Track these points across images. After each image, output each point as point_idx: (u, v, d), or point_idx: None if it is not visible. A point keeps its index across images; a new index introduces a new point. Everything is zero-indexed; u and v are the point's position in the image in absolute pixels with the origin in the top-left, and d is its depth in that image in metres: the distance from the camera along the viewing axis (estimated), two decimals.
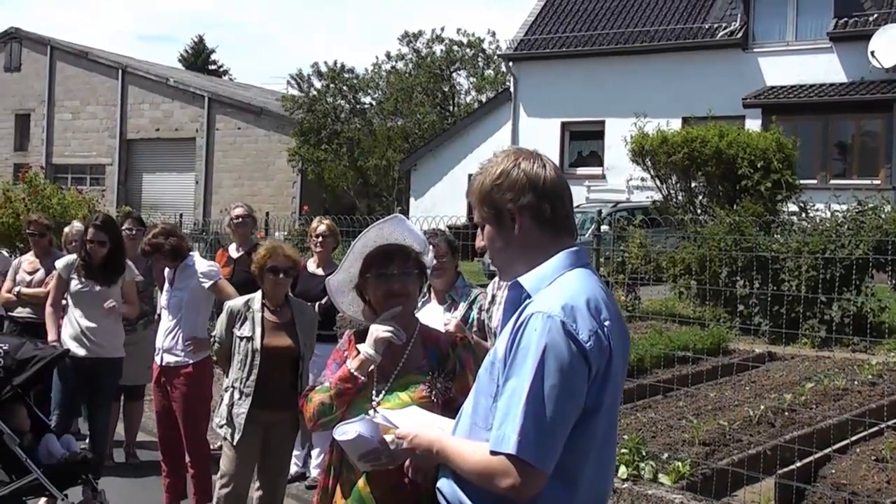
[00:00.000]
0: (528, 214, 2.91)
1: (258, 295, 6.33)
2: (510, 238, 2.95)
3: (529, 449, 2.63)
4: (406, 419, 3.27)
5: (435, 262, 4.94)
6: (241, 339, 6.21)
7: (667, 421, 8.68)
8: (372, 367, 3.75)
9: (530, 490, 2.67)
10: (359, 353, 3.77)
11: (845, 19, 25.41)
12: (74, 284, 7.71)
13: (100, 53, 44.23)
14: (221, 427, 6.24)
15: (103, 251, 7.62)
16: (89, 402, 7.93)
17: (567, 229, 2.97)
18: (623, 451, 7.32)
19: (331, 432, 3.60)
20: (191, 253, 7.49)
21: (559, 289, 2.81)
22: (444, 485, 2.94)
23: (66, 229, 9.61)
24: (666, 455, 7.45)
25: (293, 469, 7.73)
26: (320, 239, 8.20)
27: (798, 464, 7.15)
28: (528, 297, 2.84)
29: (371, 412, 3.51)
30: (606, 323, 2.77)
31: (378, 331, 3.75)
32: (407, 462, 3.22)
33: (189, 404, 7.14)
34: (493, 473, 2.69)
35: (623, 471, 7.10)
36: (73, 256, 7.91)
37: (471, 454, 2.80)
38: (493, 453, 2.69)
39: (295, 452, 7.64)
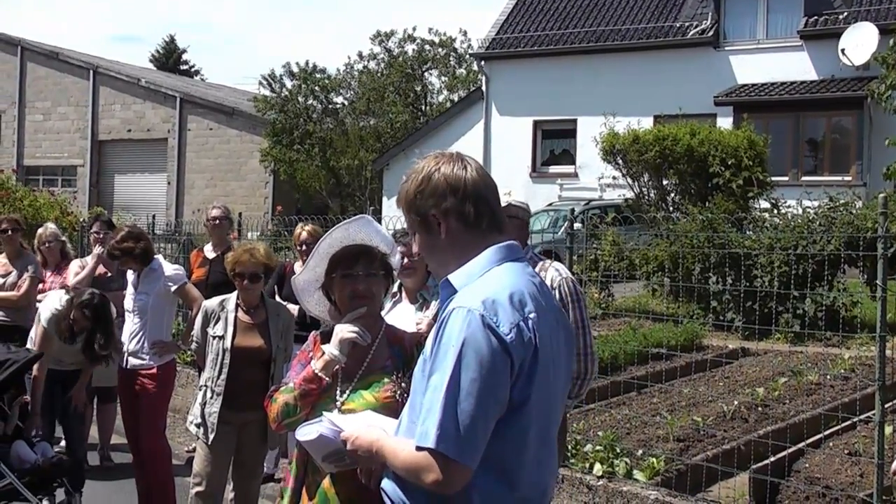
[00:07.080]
0: (453, 217, 2.93)
1: (234, 295, 6.32)
2: (437, 242, 2.97)
3: (449, 443, 2.65)
4: (351, 422, 3.26)
5: (406, 261, 4.94)
6: (214, 338, 6.21)
7: (641, 417, 8.70)
8: (336, 367, 3.74)
9: (454, 484, 2.68)
10: (323, 353, 3.75)
11: (815, 17, 25.55)
12: None
13: (70, 54, 43.78)
14: (195, 426, 6.21)
15: (87, 325, 7.10)
16: (65, 406, 7.84)
17: (495, 226, 2.98)
18: (598, 448, 7.33)
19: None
20: (156, 256, 7.45)
21: (483, 284, 2.83)
22: (387, 485, 2.94)
23: (40, 230, 9.53)
24: (640, 451, 7.46)
25: (265, 469, 7.68)
26: (304, 248, 8.09)
27: (772, 458, 7.18)
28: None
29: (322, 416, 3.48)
30: (531, 315, 2.78)
31: (343, 331, 3.74)
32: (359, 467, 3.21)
33: (150, 405, 7.13)
34: (418, 469, 2.71)
35: (598, 468, 7.10)
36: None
37: (401, 451, 2.82)
38: (418, 449, 2.70)
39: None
